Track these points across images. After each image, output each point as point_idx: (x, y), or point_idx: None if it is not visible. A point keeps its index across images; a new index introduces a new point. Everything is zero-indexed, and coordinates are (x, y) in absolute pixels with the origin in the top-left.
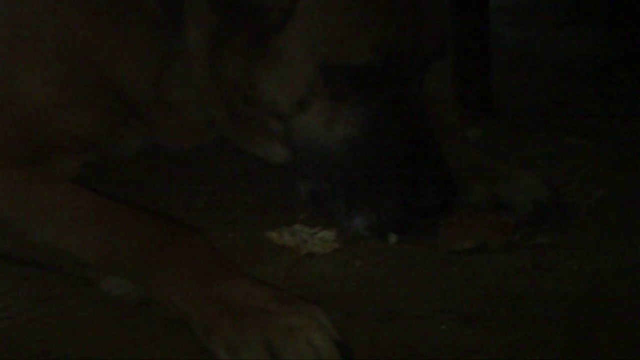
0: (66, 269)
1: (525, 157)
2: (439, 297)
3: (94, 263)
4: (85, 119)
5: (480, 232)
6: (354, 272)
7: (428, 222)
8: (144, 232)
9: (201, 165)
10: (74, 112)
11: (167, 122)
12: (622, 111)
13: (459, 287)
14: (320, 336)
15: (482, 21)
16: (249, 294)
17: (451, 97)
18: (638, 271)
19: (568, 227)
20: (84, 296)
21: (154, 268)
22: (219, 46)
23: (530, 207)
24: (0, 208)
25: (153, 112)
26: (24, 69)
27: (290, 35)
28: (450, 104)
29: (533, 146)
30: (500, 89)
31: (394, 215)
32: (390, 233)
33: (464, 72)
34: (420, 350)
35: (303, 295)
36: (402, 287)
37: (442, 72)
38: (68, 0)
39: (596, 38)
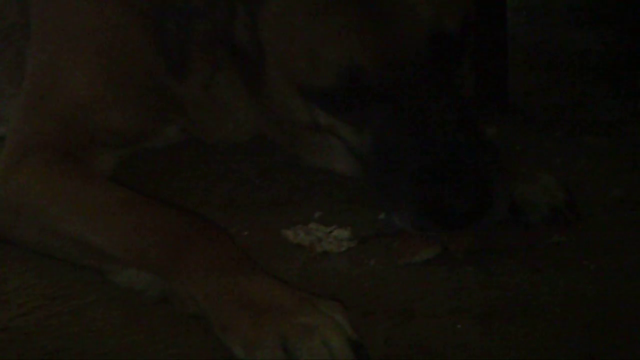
0: (85, 260)
1: (542, 156)
2: (455, 296)
3: (117, 254)
4: (128, 117)
5: (439, 240)
6: (369, 271)
7: (459, 229)
8: (169, 226)
9: (217, 163)
10: (117, 110)
11: (213, 120)
12: None
13: (475, 286)
14: (336, 336)
15: (499, 20)
16: (268, 292)
17: None
18: None
19: (584, 226)
20: (99, 294)
21: (176, 262)
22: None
23: (546, 210)
24: (32, 197)
25: (201, 111)
26: (70, 65)
27: (270, 68)
28: None
29: (549, 145)
30: (517, 87)
31: (422, 221)
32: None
33: (480, 70)
34: (436, 349)
35: (319, 294)
36: (418, 286)
37: None
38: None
39: (613, 37)
